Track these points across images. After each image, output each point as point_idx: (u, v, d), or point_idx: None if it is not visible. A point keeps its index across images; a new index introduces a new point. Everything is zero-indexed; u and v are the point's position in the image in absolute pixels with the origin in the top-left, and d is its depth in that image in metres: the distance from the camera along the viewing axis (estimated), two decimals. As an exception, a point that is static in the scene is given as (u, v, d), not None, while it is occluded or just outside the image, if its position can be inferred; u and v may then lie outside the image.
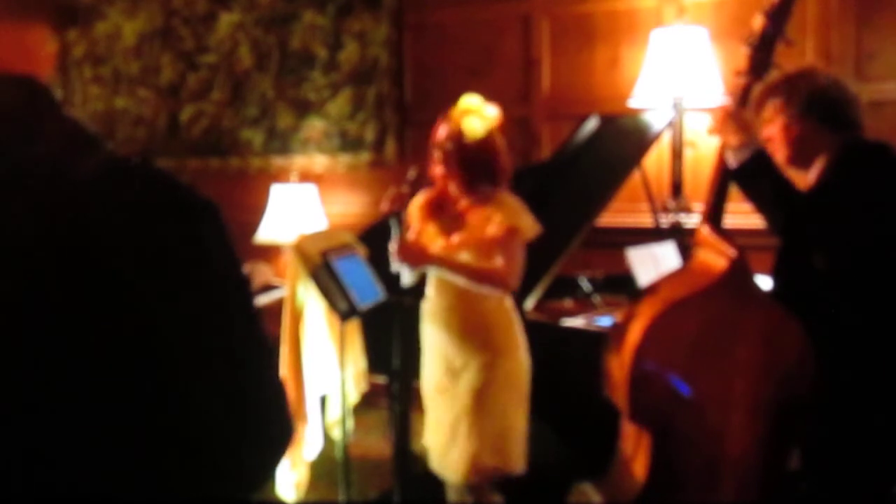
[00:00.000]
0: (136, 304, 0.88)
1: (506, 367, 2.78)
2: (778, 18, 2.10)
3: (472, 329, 2.79)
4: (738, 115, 2.16)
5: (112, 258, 0.87)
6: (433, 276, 2.86)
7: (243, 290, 1.00)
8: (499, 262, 2.74)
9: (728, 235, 2.16)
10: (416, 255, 2.79)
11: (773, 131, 2.22)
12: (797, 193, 2.15)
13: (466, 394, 2.77)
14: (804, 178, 2.22)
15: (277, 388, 0.98)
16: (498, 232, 2.72)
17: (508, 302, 2.84)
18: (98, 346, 0.87)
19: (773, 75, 2.19)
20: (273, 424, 0.98)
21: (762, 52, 2.11)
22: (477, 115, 2.76)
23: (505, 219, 2.73)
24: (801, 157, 2.20)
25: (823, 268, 2.06)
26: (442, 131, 2.79)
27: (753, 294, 2.08)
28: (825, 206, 2.11)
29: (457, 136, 2.75)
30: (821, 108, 2.16)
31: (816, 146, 2.17)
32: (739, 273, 2.07)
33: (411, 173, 2.84)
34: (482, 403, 2.75)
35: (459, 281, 2.76)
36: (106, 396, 0.88)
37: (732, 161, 2.17)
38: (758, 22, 2.11)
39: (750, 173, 2.15)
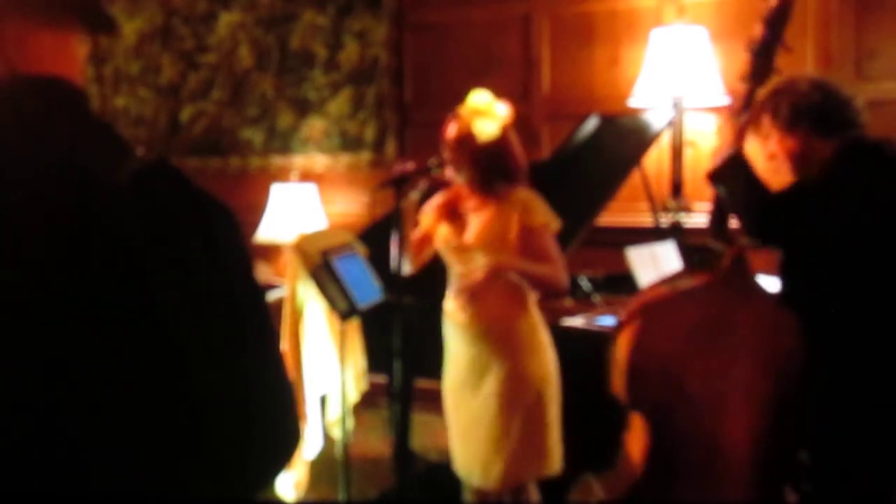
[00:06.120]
0: (156, 307, 0.89)
1: (530, 370, 2.69)
2: (776, 25, 2.12)
3: (495, 331, 2.71)
4: (737, 120, 2.18)
5: (139, 262, 0.89)
6: (455, 273, 2.79)
7: (257, 293, 1.01)
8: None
9: (731, 235, 2.16)
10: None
11: (772, 147, 2.20)
12: (770, 195, 2.17)
13: (494, 400, 2.68)
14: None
15: (286, 391, 1.00)
16: (535, 233, 2.65)
17: (532, 303, 2.75)
18: (116, 346, 0.88)
19: (774, 80, 2.21)
20: (280, 426, 0.99)
21: (762, 59, 2.14)
22: (487, 115, 2.66)
23: (537, 218, 2.66)
24: (804, 169, 2.17)
25: (799, 265, 2.09)
26: (451, 130, 2.69)
27: (752, 288, 2.12)
28: (800, 201, 2.13)
29: (468, 137, 2.66)
30: (806, 118, 2.13)
31: (815, 155, 2.14)
32: (739, 267, 2.10)
33: (432, 161, 2.72)
34: (511, 409, 2.67)
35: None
36: (116, 395, 0.89)
37: (711, 164, 2.21)
38: (757, 29, 2.14)
39: (721, 175, 2.18)
